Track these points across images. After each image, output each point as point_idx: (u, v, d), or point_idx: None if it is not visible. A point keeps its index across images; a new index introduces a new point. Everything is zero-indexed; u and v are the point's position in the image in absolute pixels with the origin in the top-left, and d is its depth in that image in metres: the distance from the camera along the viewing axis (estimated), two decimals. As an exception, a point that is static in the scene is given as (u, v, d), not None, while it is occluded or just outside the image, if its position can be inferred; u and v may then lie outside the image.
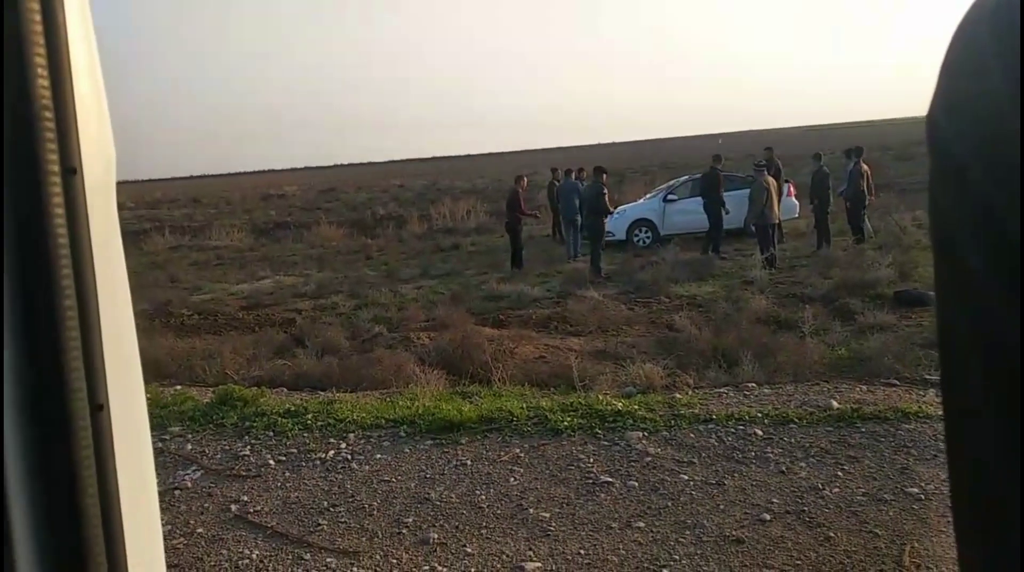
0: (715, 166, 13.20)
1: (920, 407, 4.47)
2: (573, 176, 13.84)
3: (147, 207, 37.14)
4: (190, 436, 4.97)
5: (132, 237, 22.33)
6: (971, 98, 0.29)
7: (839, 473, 3.78)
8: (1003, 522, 0.30)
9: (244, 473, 4.36)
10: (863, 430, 4.25)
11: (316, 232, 20.35)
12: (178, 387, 6.35)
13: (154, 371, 7.30)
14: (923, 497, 3.46)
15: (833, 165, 14.70)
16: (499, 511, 3.66)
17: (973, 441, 0.32)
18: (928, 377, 5.60)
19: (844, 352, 6.68)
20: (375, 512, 3.76)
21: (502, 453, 4.33)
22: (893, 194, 18.52)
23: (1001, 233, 0.27)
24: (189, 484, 4.25)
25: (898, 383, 5.40)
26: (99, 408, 0.68)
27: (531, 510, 3.64)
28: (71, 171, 0.63)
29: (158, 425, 5.15)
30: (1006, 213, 0.26)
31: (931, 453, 3.90)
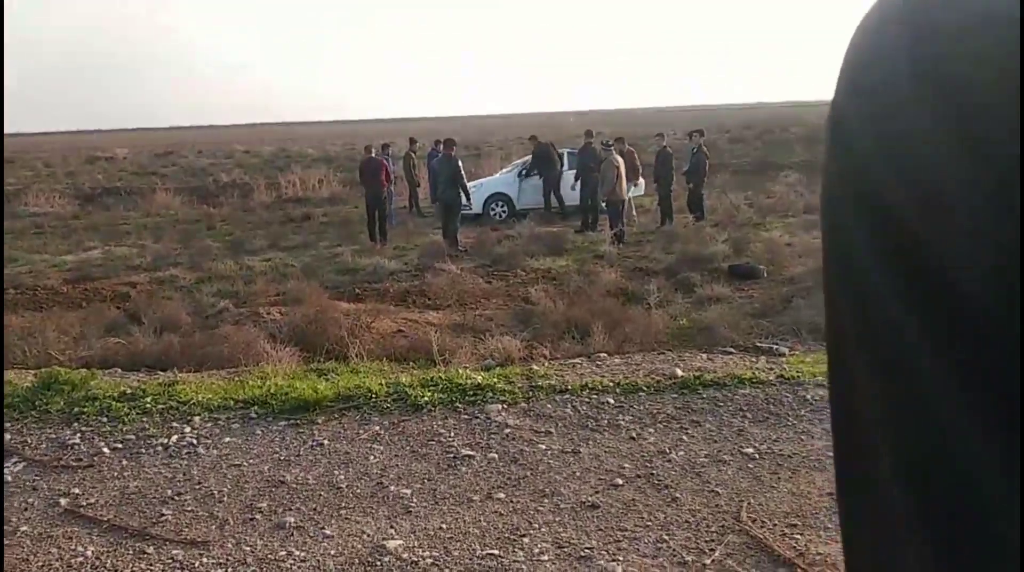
0: (591, 141, 13.45)
1: (753, 373, 4.84)
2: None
3: (-55, 167, 32.78)
4: (8, 425, 4.47)
5: (-73, 201, 19.63)
6: (876, 92, 0.28)
7: (684, 437, 4.04)
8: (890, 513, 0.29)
9: (74, 463, 3.99)
10: (704, 396, 4.55)
11: (151, 199, 18.87)
12: (-9, 370, 5.70)
13: (-40, 353, 6.50)
14: (757, 456, 3.77)
15: (674, 146, 15.51)
16: (359, 490, 3.60)
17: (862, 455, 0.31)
18: (759, 345, 6.08)
19: (686, 322, 7.12)
20: (225, 498, 3.57)
21: (361, 431, 4.24)
22: (728, 174, 19.85)
23: (901, 239, 0.26)
24: (9, 477, 3.83)
25: (733, 351, 5.82)
26: None
27: (392, 488, 3.60)
28: None
29: (-32, 414, 4.60)
30: (909, 215, 0.26)
31: (763, 416, 4.24)
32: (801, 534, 3.06)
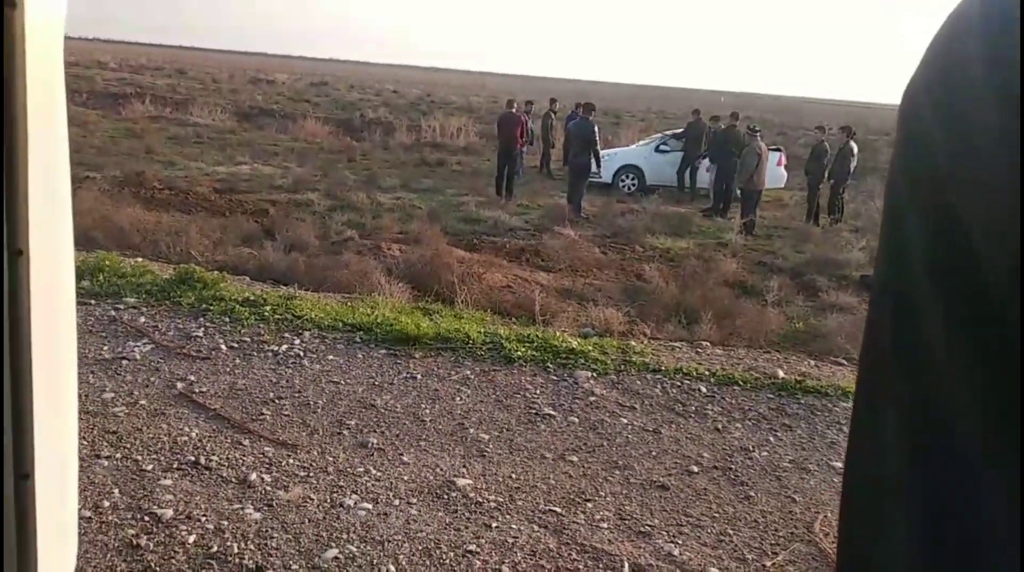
0: (735, 123, 12.98)
1: (860, 388, 4.60)
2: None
3: (130, 71, 35.75)
4: (144, 309, 4.94)
5: (110, 100, 21.61)
6: (949, 89, 0.28)
7: (771, 438, 3.92)
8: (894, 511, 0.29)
9: (194, 353, 4.37)
10: (802, 402, 4.38)
11: (301, 125, 19.89)
12: (139, 259, 6.28)
13: (116, 239, 7.20)
14: (845, 472, 3.60)
15: (831, 141, 14.66)
16: (440, 427, 3.74)
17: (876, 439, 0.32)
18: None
19: (801, 325, 6.82)
20: (319, 410, 3.81)
21: (453, 372, 4.39)
22: (878, 178, 18.58)
23: (958, 243, 0.27)
24: (138, 356, 4.25)
25: (845, 363, 5.53)
26: (18, 253, 0.66)
27: (472, 430, 3.72)
28: (9, 4, 0.58)
29: (113, 294, 5.11)
30: (970, 219, 0.26)
31: (861, 433, 4.03)
32: (875, 558, 2.92)
